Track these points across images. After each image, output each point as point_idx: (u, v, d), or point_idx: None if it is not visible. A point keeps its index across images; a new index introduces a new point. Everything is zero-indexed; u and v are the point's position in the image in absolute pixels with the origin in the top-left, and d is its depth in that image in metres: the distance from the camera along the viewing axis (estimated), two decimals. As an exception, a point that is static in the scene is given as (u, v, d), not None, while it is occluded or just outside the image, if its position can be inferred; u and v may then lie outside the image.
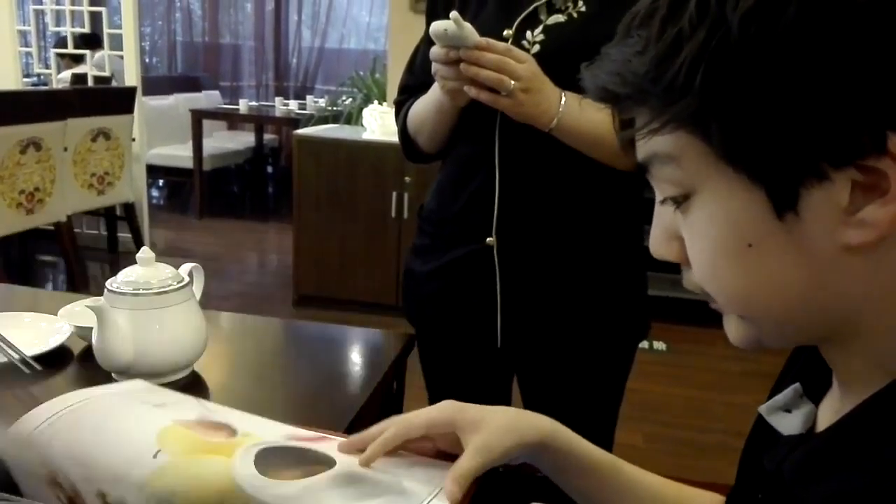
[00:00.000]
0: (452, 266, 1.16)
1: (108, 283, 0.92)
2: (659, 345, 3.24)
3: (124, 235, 4.32)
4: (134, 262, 0.96)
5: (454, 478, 0.62)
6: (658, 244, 0.49)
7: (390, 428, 0.66)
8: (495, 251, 1.11)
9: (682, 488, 0.71)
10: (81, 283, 3.62)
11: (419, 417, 0.67)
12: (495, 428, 0.65)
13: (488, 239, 1.11)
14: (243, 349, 1.16)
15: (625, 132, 0.47)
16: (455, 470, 0.63)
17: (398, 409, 1.16)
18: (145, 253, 0.95)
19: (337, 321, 1.30)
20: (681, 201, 0.45)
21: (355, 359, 1.14)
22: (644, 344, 3.44)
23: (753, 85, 0.38)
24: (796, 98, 0.38)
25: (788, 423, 0.52)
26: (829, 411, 0.50)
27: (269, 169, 7.17)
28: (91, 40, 4.30)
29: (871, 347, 0.44)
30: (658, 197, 0.48)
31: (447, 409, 0.68)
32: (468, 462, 0.63)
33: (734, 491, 0.60)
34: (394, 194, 3.37)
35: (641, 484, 0.70)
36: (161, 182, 6.61)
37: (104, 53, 4.26)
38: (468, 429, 0.65)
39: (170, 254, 1.01)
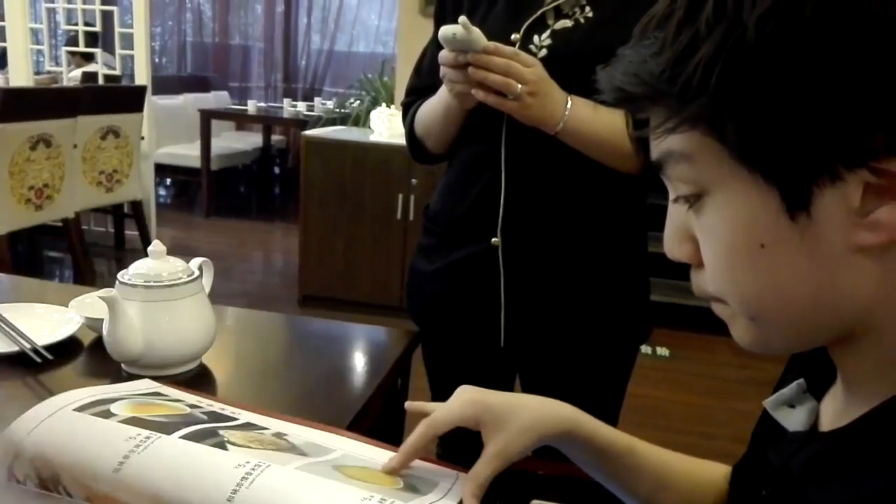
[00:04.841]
0: (457, 266, 1.17)
1: (119, 275, 0.94)
2: (662, 351, 3.24)
3: (131, 233, 4.36)
4: (141, 259, 0.97)
5: (472, 492, 0.62)
6: (672, 244, 0.50)
7: (417, 429, 0.66)
8: (500, 252, 1.13)
9: (693, 462, 0.73)
10: (88, 279, 3.64)
11: (446, 418, 0.66)
12: (516, 429, 0.65)
13: (493, 239, 1.12)
14: (250, 344, 1.18)
15: (638, 132, 0.48)
16: (472, 479, 0.63)
17: (401, 407, 1.17)
18: (157, 246, 0.96)
19: (341, 321, 1.31)
20: (693, 201, 0.46)
21: (360, 356, 1.16)
22: (647, 349, 3.42)
23: (768, 85, 0.39)
24: (810, 98, 0.38)
25: (793, 419, 0.53)
26: (832, 408, 0.51)
27: (276, 169, 7.20)
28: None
29: (882, 348, 0.44)
30: (671, 196, 0.48)
31: (471, 406, 0.67)
32: (485, 469, 0.64)
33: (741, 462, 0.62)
34: (400, 196, 3.38)
35: (654, 463, 0.72)
36: (169, 181, 6.64)
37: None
38: (491, 427, 0.66)
39: (176, 252, 1.02)
